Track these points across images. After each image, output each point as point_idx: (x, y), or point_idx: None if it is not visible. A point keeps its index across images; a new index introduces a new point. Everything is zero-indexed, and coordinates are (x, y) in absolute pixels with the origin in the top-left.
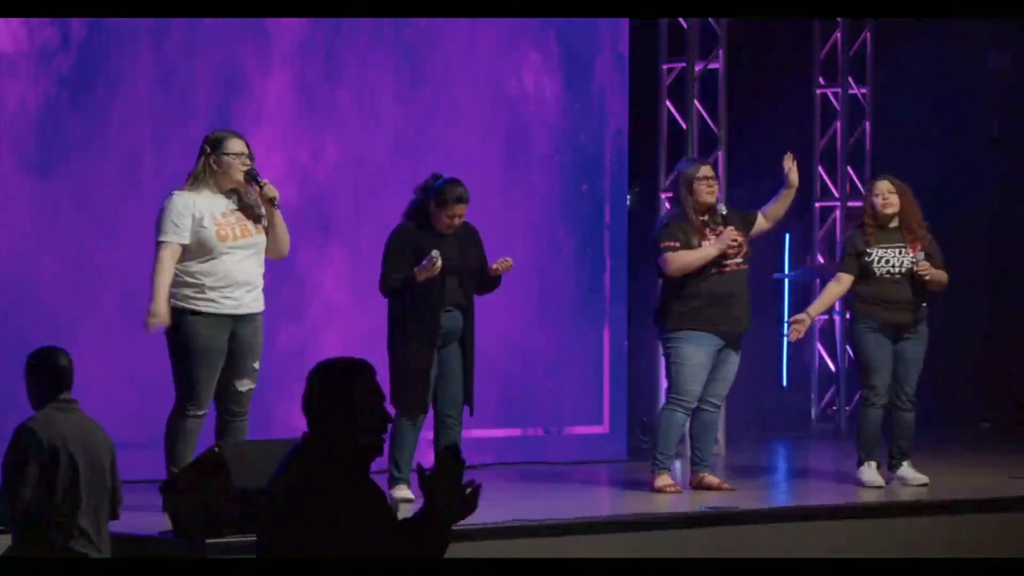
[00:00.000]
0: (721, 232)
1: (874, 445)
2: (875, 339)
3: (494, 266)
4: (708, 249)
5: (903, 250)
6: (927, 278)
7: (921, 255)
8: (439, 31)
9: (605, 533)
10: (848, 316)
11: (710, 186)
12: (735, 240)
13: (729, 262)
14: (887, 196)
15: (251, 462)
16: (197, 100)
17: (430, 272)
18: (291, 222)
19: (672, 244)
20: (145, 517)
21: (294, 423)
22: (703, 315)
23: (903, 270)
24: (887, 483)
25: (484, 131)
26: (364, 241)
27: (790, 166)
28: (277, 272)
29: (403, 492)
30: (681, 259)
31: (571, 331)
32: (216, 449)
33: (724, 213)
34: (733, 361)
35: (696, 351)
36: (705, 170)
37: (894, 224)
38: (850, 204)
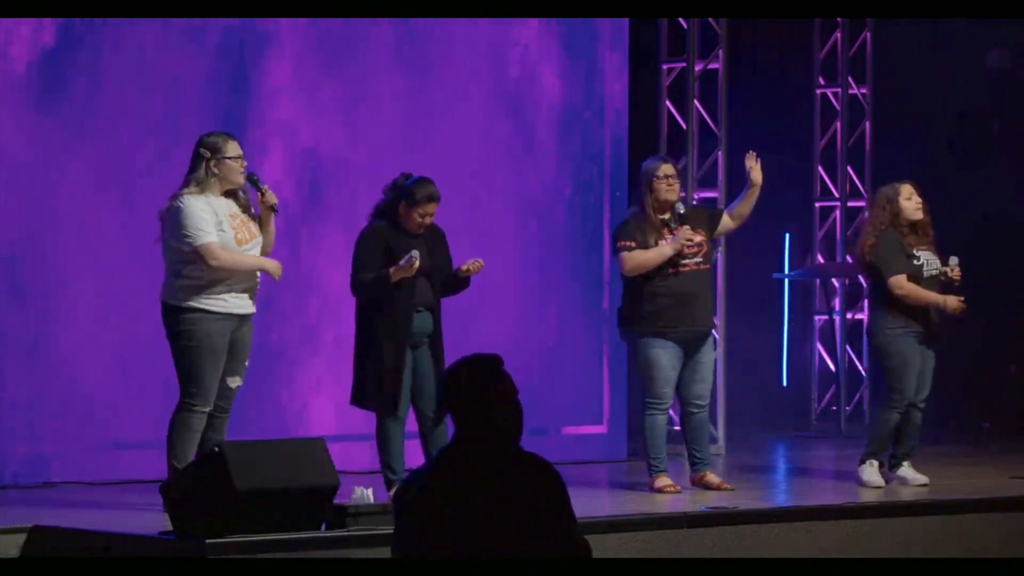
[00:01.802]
0: (679, 232)
1: (884, 446)
2: (913, 345)
3: (464, 267)
4: (663, 248)
5: (930, 253)
6: (957, 283)
7: (955, 259)
8: (440, 26)
9: (605, 533)
10: (871, 317)
11: (670, 184)
12: (690, 240)
13: (687, 261)
14: (918, 200)
15: (251, 462)
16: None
17: (407, 272)
18: (292, 210)
19: (627, 243)
20: (145, 517)
21: (295, 415)
22: (665, 316)
23: (938, 273)
24: (888, 482)
25: (482, 131)
26: (358, 231)
27: (752, 164)
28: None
29: None
30: (636, 259)
31: (571, 331)
32: (217, 449)
33: (682, 212)
34: (706, 361)
35: (662, 354)
36: (666, 168)
37: (913, 228)
38: (850, 204)
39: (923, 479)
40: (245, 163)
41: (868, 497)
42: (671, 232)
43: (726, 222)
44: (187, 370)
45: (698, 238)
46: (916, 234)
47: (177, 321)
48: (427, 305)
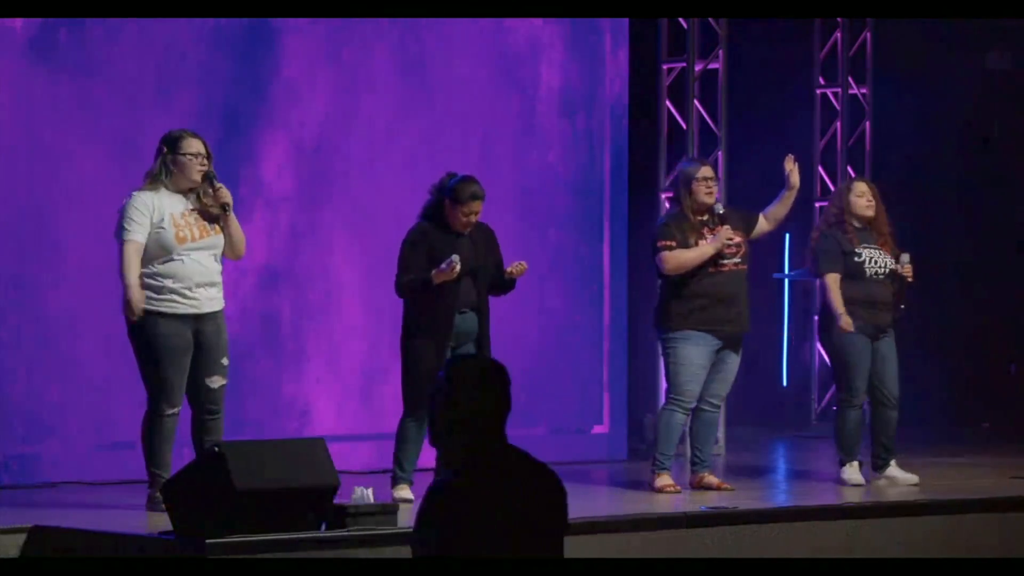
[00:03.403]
0: (719, 232)
1: (854, 446)
2: (859, 341)
3: (509, 269)
4: (704, 248)
5: (880, 251)
6: (909, 280)
7: (907, 256)
8: (440, 23)
9: (605, 533)
10: (822, 317)
11: (709, 187)
12: (731, 239)
13: (727, 262)
14: (870, 198)
15: (251, 462)
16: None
17: (448, 276)
18: (293, 205)
19: (669, 243)
20: (145, 517)
21: (295, 415)
22: (702, 315)
23: (887, 270)
24: (878, 482)
25: (481, 133)
26: (361, 220)
27: (791, 167)
28: (274, 258)
29: (404, 492)
30: (677, 258)
31: (571, 331)
32: (217, 449)
33: (721, 212)
34: (733, 361)
35: (695, 351)
36: (705, 171)
37: (866, 225)
38: None
39: (913, 478)
40: (206, 162)
41: (867, 497)
42: (711, 232)
43: (762, 224)
44: (147, 373)
45: (737, 238)
46: (868, 232)
47: (132, 326)
48: (471, 306)
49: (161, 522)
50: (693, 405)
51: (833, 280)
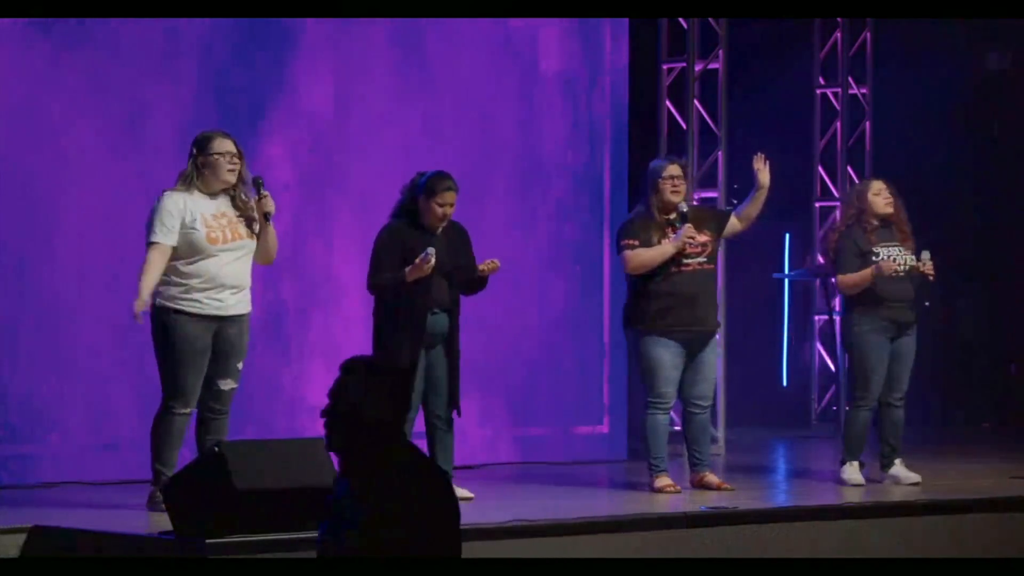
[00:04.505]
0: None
1: (860, 446)
2: (877, 342)
3: (480, 267)
4: (665, 247)
5: (901, 248)
6: (931, 277)
7: (927, 254)
8: (440, 22)
9: (605, 533)
10: (843, 317)
11: (675, 185)
12: (692, 238)
13: (690, 261)
14: (888, 196)
15: (251, 462)
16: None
17: (422, 271)
18: (297, 205)
19: (631, 242)
20: (145, 517)
21: (297, 414)
22: (668, 315)
23: (907, 268)
24: (880, 482)
25: (480, 132)
26: (360, 209)
27: (760, 167)
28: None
29: None
30: (638, 257)
31: (571, 331)
32: (217, 449)
33: (684, 211)
34: (709, 360)
35: (664, 352)
36: (672, 169)
37: (886, 223)
38: None
39: (915, 477)
40: (237, 161)
41: (867, 497)
42: (675, 231)
43: (733, 224)
44: (165, 371)
45: (702, 238)
46: (888, 230)
47: (156, 322)
48: (443, 306)
49: (161, 522)
50: (672, 404)
51: (847, 278)
